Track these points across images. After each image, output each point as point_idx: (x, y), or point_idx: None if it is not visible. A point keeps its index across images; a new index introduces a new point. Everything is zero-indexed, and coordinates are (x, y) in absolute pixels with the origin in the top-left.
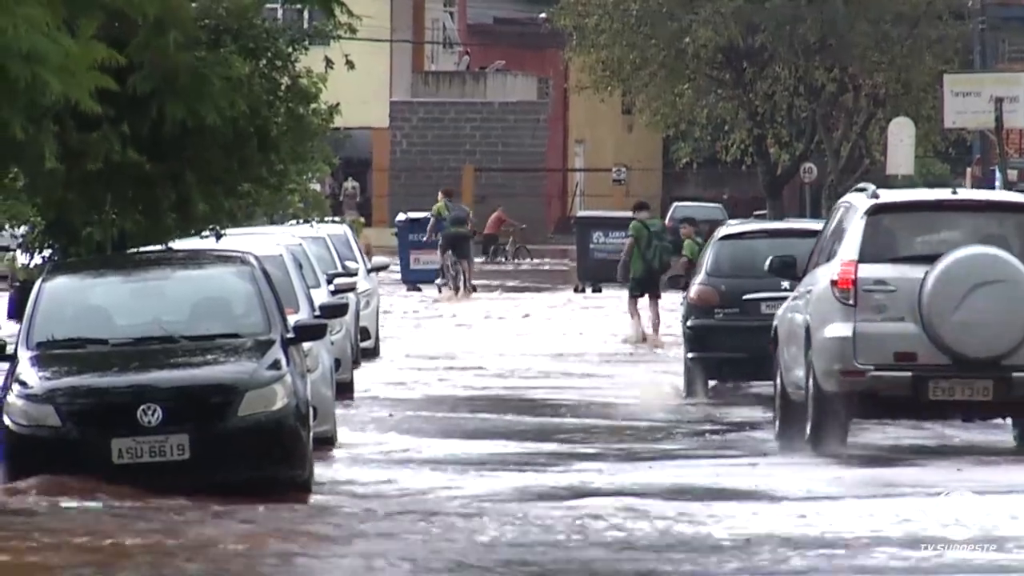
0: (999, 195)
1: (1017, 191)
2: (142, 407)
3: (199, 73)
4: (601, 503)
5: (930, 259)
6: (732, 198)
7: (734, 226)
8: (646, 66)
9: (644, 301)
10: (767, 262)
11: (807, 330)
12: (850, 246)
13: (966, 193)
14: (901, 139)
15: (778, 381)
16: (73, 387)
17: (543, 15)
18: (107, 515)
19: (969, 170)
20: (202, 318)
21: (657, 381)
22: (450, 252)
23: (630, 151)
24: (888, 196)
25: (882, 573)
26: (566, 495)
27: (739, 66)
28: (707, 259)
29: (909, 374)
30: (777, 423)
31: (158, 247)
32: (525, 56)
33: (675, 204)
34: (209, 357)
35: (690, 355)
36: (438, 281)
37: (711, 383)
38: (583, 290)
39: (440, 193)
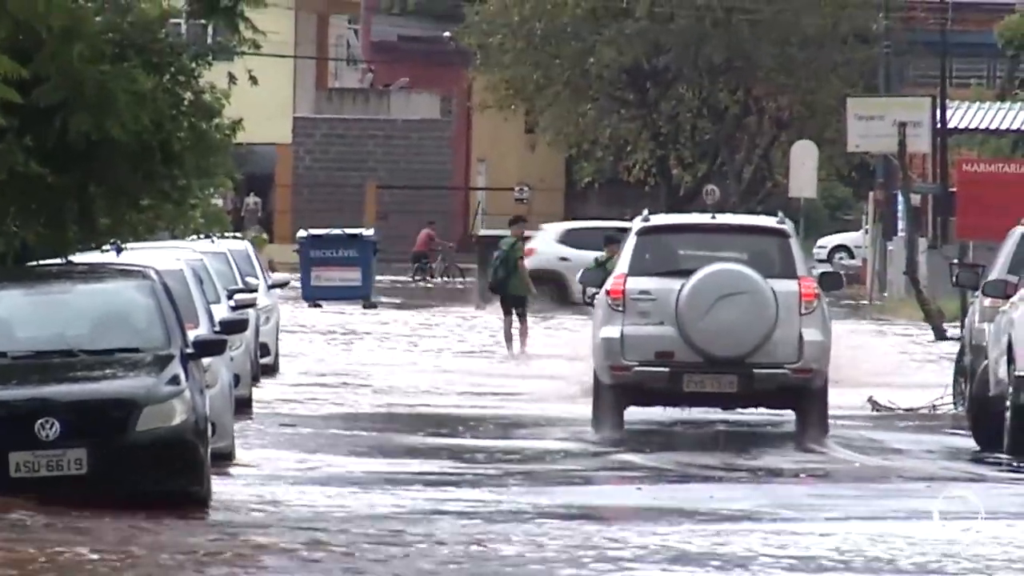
0: (752, 219)
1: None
2: (40, 421)
3: (104, 86)
4: (506, 527)
5: (687, 273)
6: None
7: None
8: (550, 85)
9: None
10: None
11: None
12: (624, 261)
13: (724, 218)
14: (804, 162)
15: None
16: None
17: (448, 33)
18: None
19: (872, 194)
20: (102, 332)
21: (554, 389)
22: None
23: (533, 170)
24: (656, 219)
25: None
26: (467, 515)
27: (643, 86)
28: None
29: (667, 369)
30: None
31: (58, 260)
32: (429, 74)
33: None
34: (108, 371)
35: None
36: None
37: None
38: (484, 308)
39: None
